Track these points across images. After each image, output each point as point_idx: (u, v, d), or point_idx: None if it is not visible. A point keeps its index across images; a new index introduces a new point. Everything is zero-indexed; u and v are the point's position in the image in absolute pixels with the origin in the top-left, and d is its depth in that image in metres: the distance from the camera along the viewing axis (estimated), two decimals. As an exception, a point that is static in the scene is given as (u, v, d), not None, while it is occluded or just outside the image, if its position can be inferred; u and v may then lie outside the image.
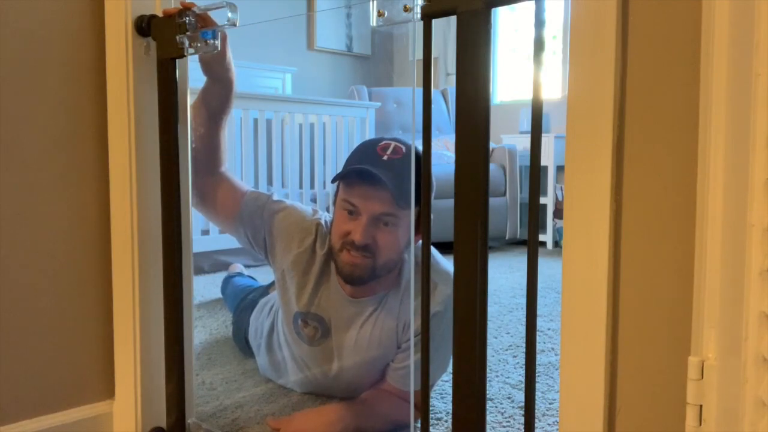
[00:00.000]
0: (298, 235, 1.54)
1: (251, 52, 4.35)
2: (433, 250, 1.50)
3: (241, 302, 2.05)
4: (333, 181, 1.50)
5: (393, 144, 1.44)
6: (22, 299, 1.23)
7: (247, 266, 2.98)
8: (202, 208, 1.60)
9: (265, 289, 1.99)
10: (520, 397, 1.63)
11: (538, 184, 0.81)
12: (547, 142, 4.23)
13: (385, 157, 1.42)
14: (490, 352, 1.97)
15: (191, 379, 1.36)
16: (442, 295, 1.43)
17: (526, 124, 4.67)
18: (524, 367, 0.84)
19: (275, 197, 1.61)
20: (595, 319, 0.80)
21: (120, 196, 1.28)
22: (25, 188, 1.22)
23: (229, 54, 1.37)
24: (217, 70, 1.38)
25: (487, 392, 0.96)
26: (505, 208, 4.16)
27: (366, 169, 1.39)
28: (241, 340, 1.95)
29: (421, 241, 0.94)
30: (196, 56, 1.29)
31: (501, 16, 5.03)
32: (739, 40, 0.66)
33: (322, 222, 1.55)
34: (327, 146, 3.63)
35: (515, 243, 4.26)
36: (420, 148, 0.94)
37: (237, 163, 3.23)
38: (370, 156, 1.43)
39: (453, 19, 0.87)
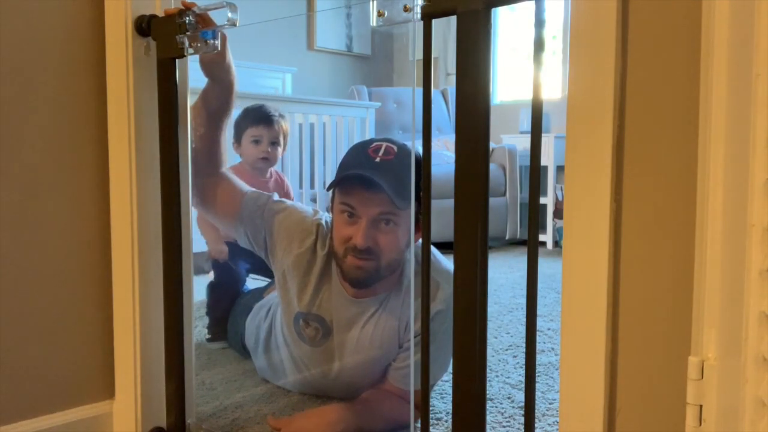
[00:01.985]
0: (299, 236, 1.54)
1: (251, 52, 4.35)
2: (433, 249, 1.50)
3: (234, 307, 2.05)
4: (328, 189, 1.50)
5: (384, 145, 1.45)
6: (22, 299, 1.23)
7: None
8: (203, 209, 1.60)
9: (260, 293, 1.99)
10: (520, 397, 1.63)
11: (538, 184, 0.81)
12: (547, 142, 4.23)
13: (377, 159, 1.42)
14: (490, 352, 1.96)
15: (191, 379, 1.36)
16: (445, 294, 1.44)
17: (526, 124, 4.67)
18: (524, 367, 0.84)
19: (275, 197, 1.62)
20: (595, 319, 0.80)
21: (120, 196, 1.28)
22: (25, 188, 1.22)
23: (230, 56, 1.37)
24: (217, 72, 1.39)
25: (487, 392, 0.96)
26: (505, 208, 4.16)
27: (360, 174, 1.40)
28: (237, 344, 1.94)
29: (421, 241, 0.94)
30: (196, 56, 1.29)
31: (501, 16, 5.02)
32: (739, 40, 0.66)
33: (323, 222, 1.55)
34: (327, 146, 3.62)
35: (515, 243, 4.26)
36: (420, 148, 0.94)
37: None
38: (363, 159, 1.44)
39: (453, 19, 0.87)
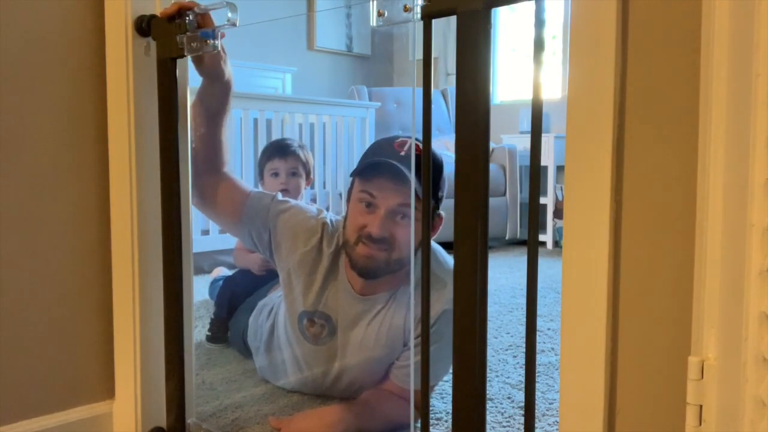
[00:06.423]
0: (304, 235, 1.54)
1: (251, 52, 4.35)
2: (440, 248, 1.50)
3: None
4: (351, 175, 1.50)
5: (409, 141, 1.45)
6: (22, 299, 1.23)
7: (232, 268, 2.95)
8: (205, 209, 1.60)
9: (265, 292, 1.99)
10: (520, 397, 1.63)
11: (538, 184, 0.81)
12: (547, 142, 4.23)
13: (402, 153, 1.42)
14: (490, 352, 1.96)
15: (191, 379, 1.36)
16: (451, 294, 1.43)
17: (526, 124, 4.67)
18: (524, 367, 0.84)
19: (279, 197, 1.61)
20: (595, 319, 0.80)
21: (120, 196, 1.28)
22: (26, 188, 1.22)
23: (223, 53, 1.36)
24: (209, 69, 1.37)
25: (487, 392, 0.96)
26: (505, 208, 4.16)
27: (386, 162, 1.40)
28: (239, 342, 1.94)
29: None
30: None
31: (501, 16, 5.02)
32: (739, 40, 0.66)
33: (328, 221, 1.56)
34: (327, 146, 3.63)
35: (515, 243, 4.26)
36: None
37: (237, 163, 3.23)
38: (388, 152, 1.44)
39: (453, 19, 0.87)
